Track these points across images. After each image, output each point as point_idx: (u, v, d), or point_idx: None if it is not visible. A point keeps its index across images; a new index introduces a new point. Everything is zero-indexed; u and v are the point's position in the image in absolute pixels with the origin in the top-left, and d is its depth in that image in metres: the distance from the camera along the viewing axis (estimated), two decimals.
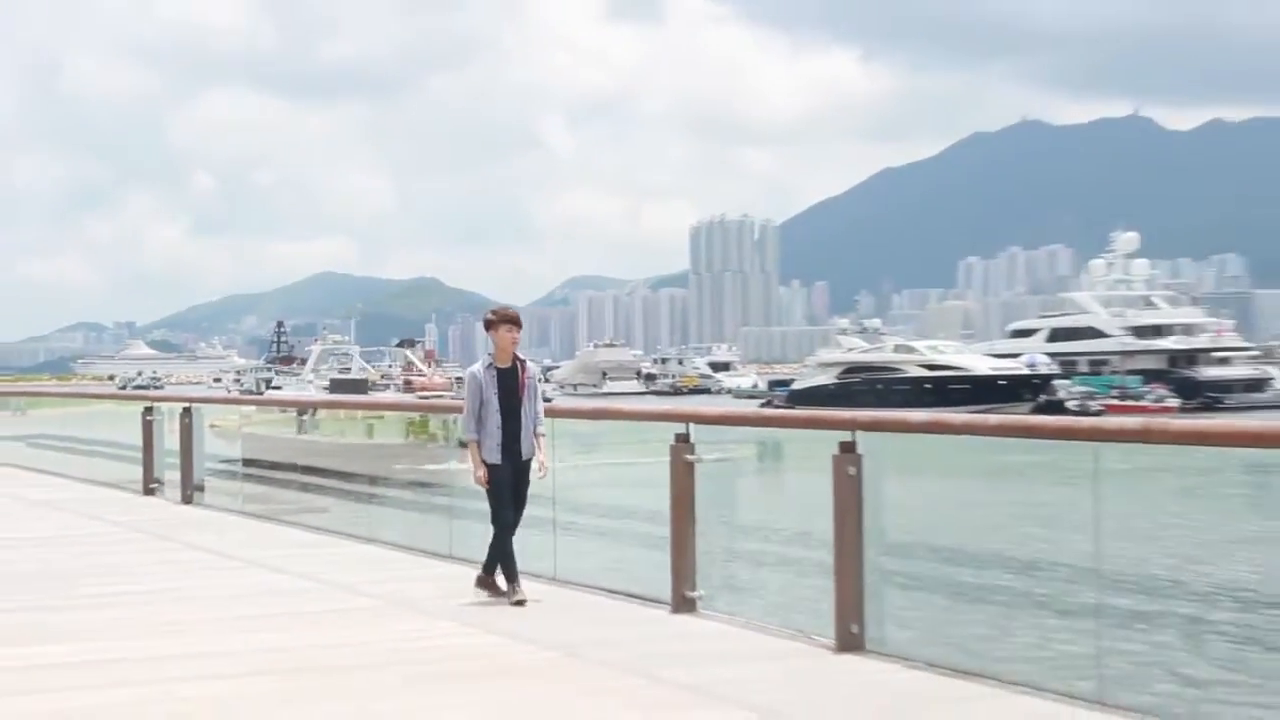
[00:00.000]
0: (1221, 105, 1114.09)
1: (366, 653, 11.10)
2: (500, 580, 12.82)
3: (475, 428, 12.54)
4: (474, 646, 11.28)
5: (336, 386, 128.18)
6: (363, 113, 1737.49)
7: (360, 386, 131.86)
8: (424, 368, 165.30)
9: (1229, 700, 13.22)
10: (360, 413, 39.21)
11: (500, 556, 12.69)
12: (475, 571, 14.76)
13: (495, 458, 12.47)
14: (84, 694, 9.74)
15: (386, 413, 41.22)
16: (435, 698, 9.58)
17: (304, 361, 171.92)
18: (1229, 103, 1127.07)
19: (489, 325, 12.85)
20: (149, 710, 9.15)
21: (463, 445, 13.08)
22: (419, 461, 29.13)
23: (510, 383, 12.57)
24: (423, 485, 26.72)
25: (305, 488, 26.33)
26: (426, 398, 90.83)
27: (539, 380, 13.38)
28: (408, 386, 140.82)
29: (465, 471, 28.10)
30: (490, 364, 12.64)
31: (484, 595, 12.69)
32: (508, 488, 12.56)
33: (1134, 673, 11.28)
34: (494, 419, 12.46)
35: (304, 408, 38.39)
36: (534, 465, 12.70)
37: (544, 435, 12.85)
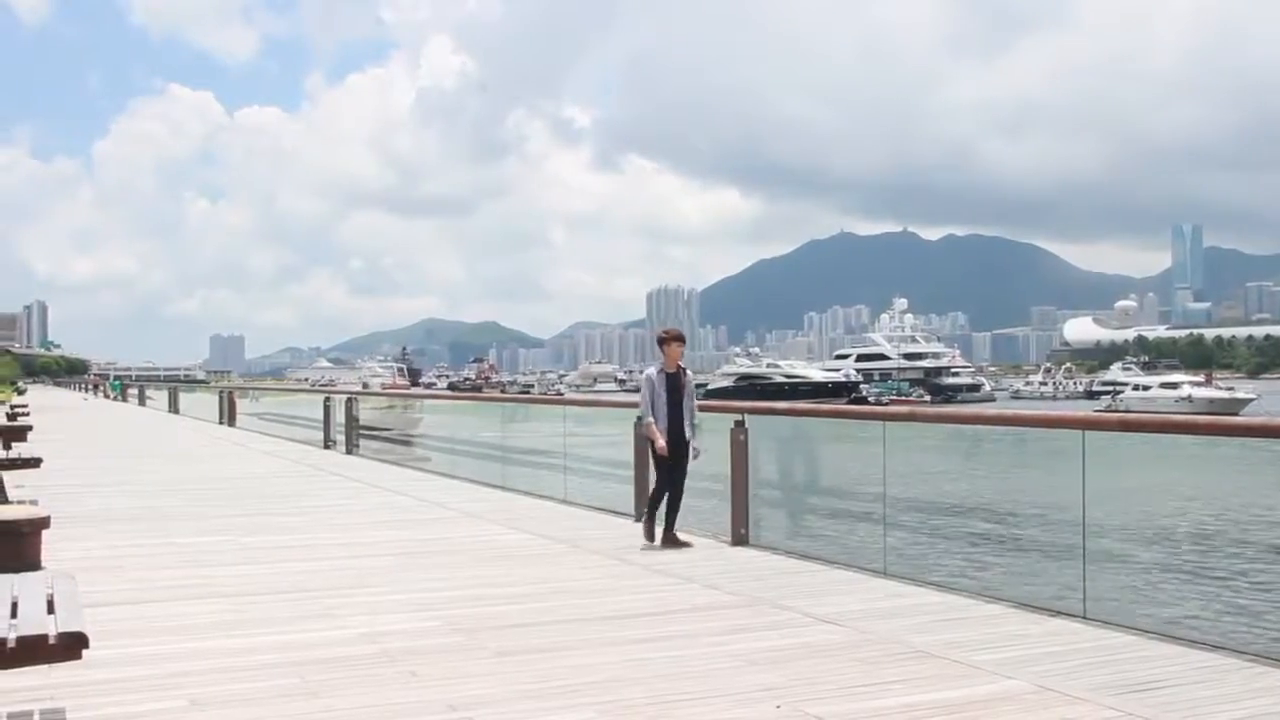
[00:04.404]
0: (953, 225, 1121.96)
1: (449, 544, 11.00)
2: (669, 531, 10.63)
3: (651, 414, 10.62)
4: (512, 540, 11.16)
5: (364, 387, 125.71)
6: (447, 223, 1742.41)
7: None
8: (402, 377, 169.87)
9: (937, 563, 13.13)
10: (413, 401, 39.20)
11: (652, 508, 10.73)
12: (532, 499, 14.57)
13: (663, 438, 10.53)
14: (289, 564, 9.68)
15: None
16: (488, 568, 9.47)
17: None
18: (958, 223, 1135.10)
19: (662, 341, 10.89)
20: (328, 577, 9.05)
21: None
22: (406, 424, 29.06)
23: (675, 384, 10.69)
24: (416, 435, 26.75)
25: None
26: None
27: (694, 385, 11.21)
28: (394, 384, 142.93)
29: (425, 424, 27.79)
30: (661, 369, 10.76)
31: (658, 545, 10.48)
32: (668, 462, 10.52)
33: (914, 558, 11.26)
34: (662, 409, 10.59)
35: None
36: (691, 448, 10.63)
37: (698, 426, 10.77)
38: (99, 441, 29.04)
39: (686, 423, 10.65)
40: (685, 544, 10.50)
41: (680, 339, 10.97)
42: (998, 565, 14.09)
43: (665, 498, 10.64)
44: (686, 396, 10.73)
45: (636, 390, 11.64)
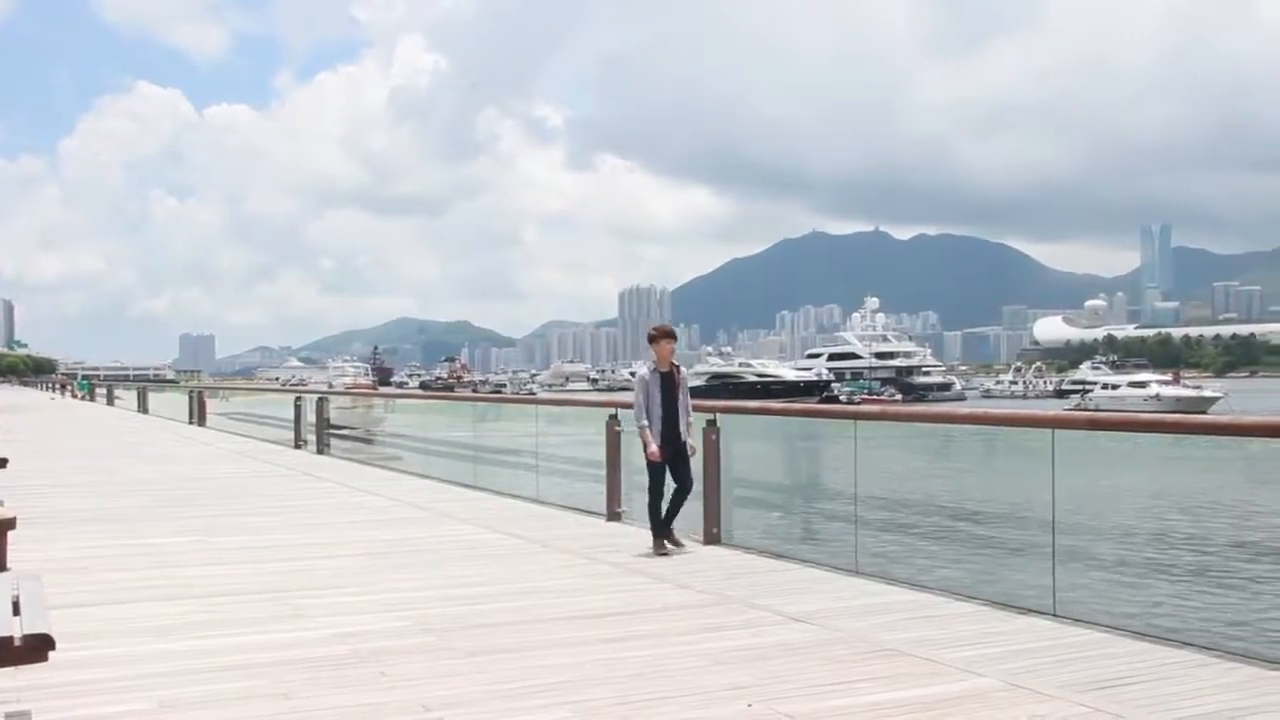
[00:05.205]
0: (925, 225, 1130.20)
1: (421, 544, 10.98)
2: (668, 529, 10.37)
3: (645, 417, 10.24)
4: (485, 540, 11.16)
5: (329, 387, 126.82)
6: (420, 223, 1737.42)
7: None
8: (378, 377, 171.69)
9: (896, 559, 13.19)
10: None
11: (653, 515, 10.32)
12: (503, 498, 14.53)
13: (658, 440, 10.19)
14: (260, 565, 9.63)
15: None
16: (460, 568, 9.47)
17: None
18: (930, 223, 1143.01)
19: (652, 339, 10.55)
20: (299, 577, 9.01)
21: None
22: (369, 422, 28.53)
23: (669, 383, 10.35)
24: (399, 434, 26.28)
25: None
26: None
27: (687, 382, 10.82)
28: (355, 385, 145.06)
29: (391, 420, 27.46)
30: (654, 369, 10.37)
31: (652, 549, 10.21)
32: (663, 466, 10.22)
33: (885, 556, 11.32)
34: (656, 410, 10.23)
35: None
36: (688, 446, 10.38)
37: (692, 424, 10.51)
38: (66, 441, 28.82)
39: (682, 422, 10.38)
40: (681, 545, 10.32)
41: (671, 335, 10.66)
42: (968, 563, 14.17)
43: (669, 497, 10.35)
44: (681, 394, 10.46)
45: (608, 390, 11.61)
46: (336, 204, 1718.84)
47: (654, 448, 10.16)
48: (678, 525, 10.41)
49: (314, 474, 18.58)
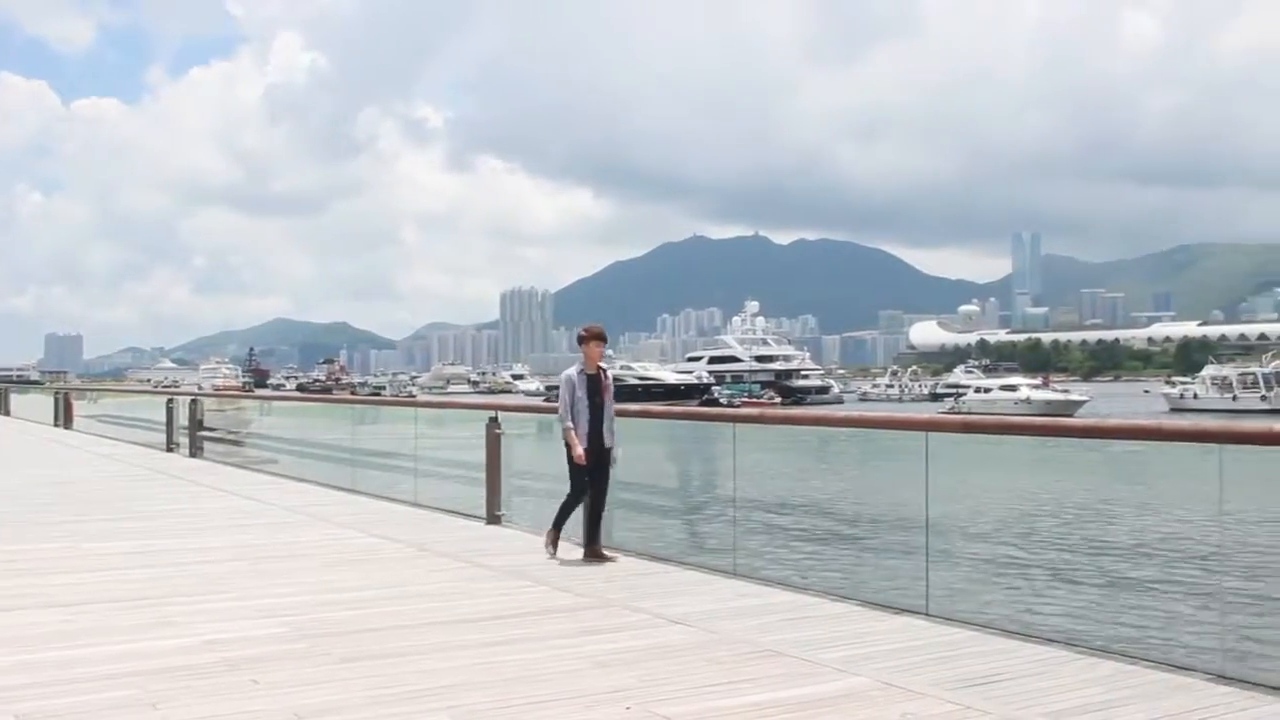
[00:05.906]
0: (804, 230, 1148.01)
1: (300, 547, 10.81)
2: (594, 545, 10.03)
3: (570, 419, 9.90)
4: (363, 544, 11.02)
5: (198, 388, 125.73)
6: (296, 222, 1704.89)
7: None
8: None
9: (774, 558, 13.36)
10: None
11: (562, 513, 10.07)
12: (382, 502, 14.37)
13: (583, 443, 9.84)
14: (128, 571, 9.38)
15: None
16: (336, 573, 9.34)
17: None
18: (809, 228, 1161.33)
19: (582, 340, 10.16)
20: (170, 584, 8.81)
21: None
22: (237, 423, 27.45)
23: (595, 385, 10.00)
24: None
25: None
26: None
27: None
28: (222, 386, 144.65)
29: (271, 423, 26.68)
30: (582, 370, 10.00)
31: (551, 550, 10.09)
32: (586, 471, 9.85)
33: (763, 558, 11.44)
34: (583, 413, 9.86)
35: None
36: (610, 454, 10.09)
37: (616, 431, 10.18)
38: None
39: (606, 427, 10.03)
40: (610, 559, 9.92)
41: (601, 337, 10.27)
42: (844, 564, 14.38)
43: (585, 508, 10.03)
44: (607, 399, 10.12)
45: (489, 392, 11.50)
46: (210, 201, 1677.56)
47: (580, 450, 9.80)
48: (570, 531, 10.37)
49: (186, 478, 18.15)
